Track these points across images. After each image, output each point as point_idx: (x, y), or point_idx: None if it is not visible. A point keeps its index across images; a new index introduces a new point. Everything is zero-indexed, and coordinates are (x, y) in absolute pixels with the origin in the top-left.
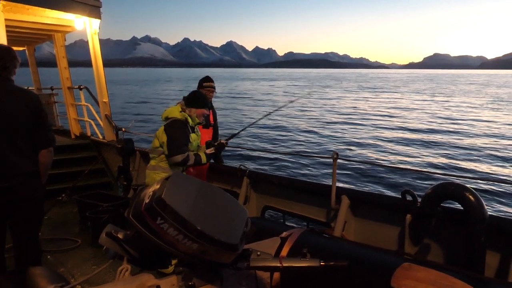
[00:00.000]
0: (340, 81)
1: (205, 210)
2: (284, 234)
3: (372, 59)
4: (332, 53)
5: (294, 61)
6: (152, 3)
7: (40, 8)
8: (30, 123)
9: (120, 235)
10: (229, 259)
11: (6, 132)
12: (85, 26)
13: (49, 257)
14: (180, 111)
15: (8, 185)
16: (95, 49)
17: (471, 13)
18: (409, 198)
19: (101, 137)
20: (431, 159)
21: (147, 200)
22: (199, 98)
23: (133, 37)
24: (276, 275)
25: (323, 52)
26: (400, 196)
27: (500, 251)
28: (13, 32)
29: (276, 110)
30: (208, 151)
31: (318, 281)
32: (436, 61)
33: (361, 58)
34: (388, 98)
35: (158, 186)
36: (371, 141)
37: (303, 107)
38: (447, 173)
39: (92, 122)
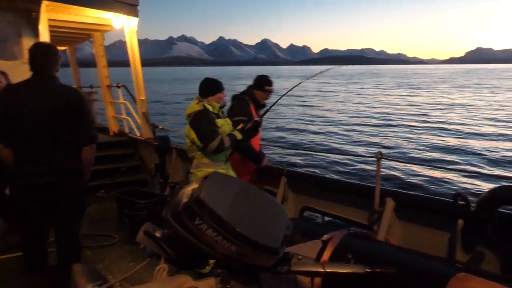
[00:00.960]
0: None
1: (244, 211)
2: (325, 237)
3: (410, 54)
4: (368, 49)
5: (329, 58)
6: (188, 2)
7: (81, 8)
8: (72, 120)
9: (157, 234)
10: (269, 263)
11: (48, 129)
12: (123, 24)
13: (87, 252)
14: (197, 103)
15: (49, 181)
16: (133, 47)
17: None
18: (461, 201)
19: (138, 134)
20: (486, 160)
21: (185, 200)
22: (211, 85)
23: (169, 36)
24: (317, 280)
25: (359, 48)
26: (451, 200)
27: None
28: (55, 32)
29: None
30: (239, 127)
31: None
32: (479, 56)
33: (399, 54)
34: (432, 94)
35: (196, 186)
36: (417, 140)
37: (342, 104)
38: (505, 175)
39: (130, 120)
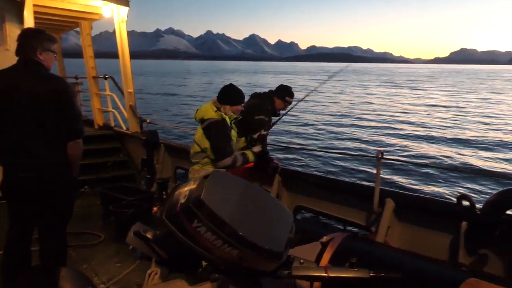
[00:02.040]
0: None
1: (247, 213)
2: (324, 238)
3: (396, 53)
4: (355, 47)
5: (316, 55)
6: None
7: None
8: (56, 109)
9: (149, 235)
10: (270, 267)
11: (32, 118)
12: (112, 14)
13: (71, 252)
14: (216, 111)
15: (35, 175)
16: (122, 38)
17: (500, 9)
18: (465, 203)
19: (124, 128)
20: (494, 160)
21: (182, 200)
22: (233, 94)
23: (157, 29)
24: (317, 284)
25: (346, 46)
26: (454, 201)
27: None
28: (41, 19)
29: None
30: (255, 149)
31: None
32: (463, 56)
33: (385, 53)
34: (430, 94)
35: (195, 185)
36: (419, 140)
37: (339, 102)
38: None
39: (116, 113)
